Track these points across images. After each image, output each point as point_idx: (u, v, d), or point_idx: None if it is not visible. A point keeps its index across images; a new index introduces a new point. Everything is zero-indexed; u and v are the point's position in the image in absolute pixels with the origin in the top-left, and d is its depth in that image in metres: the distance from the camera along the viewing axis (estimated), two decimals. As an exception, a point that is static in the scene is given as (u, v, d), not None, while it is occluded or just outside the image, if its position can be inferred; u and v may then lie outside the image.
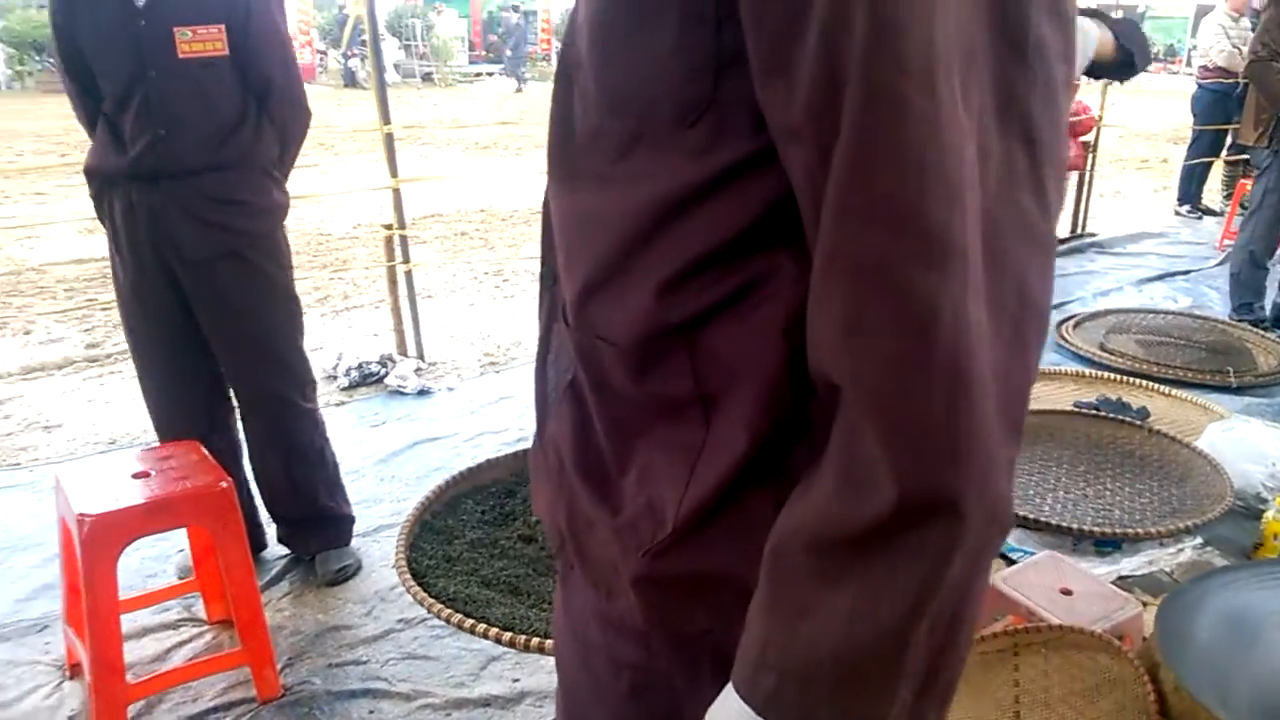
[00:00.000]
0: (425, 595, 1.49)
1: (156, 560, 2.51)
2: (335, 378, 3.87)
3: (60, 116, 14.10)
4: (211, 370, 2.40)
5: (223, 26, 2.12)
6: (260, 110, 2.25)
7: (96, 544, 1.84)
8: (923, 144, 0.49)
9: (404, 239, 4.03)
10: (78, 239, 6.42)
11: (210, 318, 2.30)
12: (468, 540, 1.73)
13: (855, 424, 0.52)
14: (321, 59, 22.52)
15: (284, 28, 2.30)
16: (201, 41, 2.09)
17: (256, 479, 2.52)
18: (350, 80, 19.78)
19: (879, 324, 0.51)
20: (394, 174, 3.97)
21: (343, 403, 3.71)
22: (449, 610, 1.46)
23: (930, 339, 0.50)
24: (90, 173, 2.21)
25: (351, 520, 2.59)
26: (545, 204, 0.74)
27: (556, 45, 25.57)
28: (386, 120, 3.93)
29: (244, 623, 2.03)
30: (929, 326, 0.50)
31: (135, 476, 1.97)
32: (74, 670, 2.15)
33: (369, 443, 3.33)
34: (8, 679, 2.14)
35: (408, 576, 1.52)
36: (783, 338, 0.59)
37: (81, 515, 1.82)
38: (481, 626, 1.42)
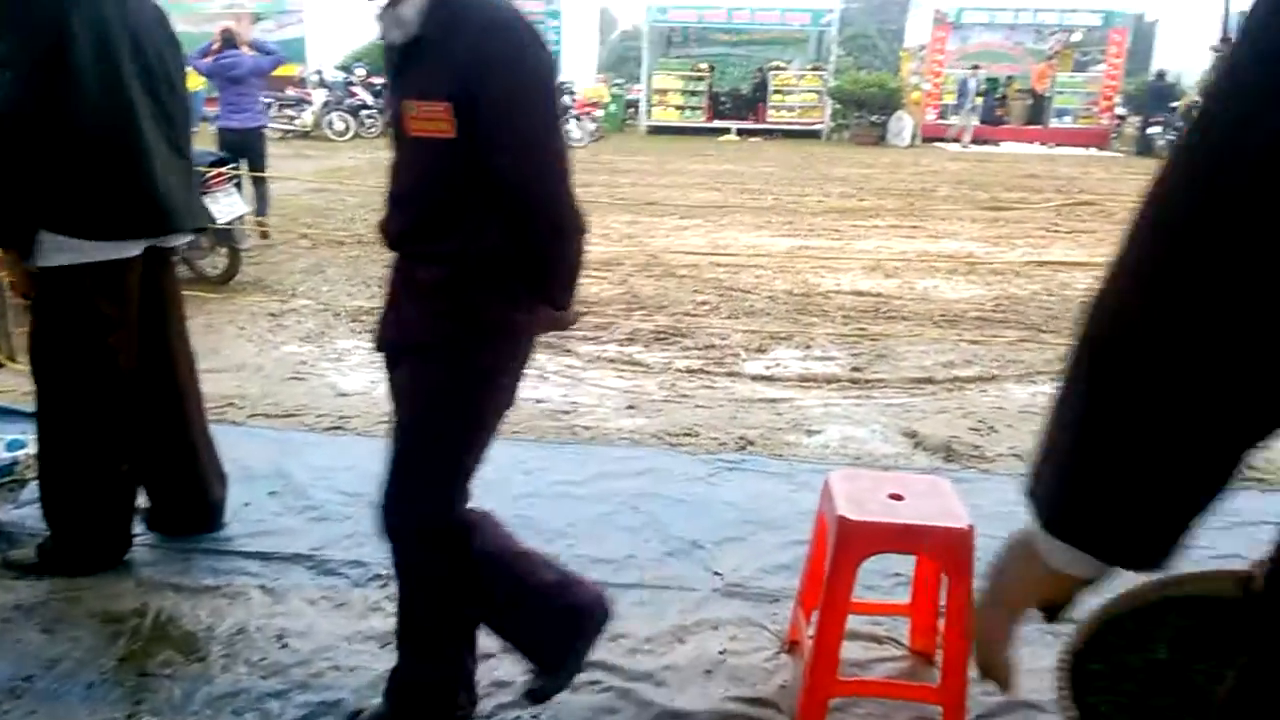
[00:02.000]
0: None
1: (876, 575, 2.69)
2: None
3: (863, 164, 16.08)
4: None
5: (449, 106, 1.70)
6: (494, 210, 1.79)
7: (848, 547, 2.04)
8: None
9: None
10: (861, 274, 7.22)
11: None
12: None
13: None
14: (1119, 125, 21.78)
15: (531, 117, 1.73)
16: (427, 119, 1.73)
17: None
18: (1145, 148, 18.78)
19: None
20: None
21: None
22: None
23: None
24: None
25: None
26: None
27: None
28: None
29: (950, 665, 2.07)
30: None
31: (891, 497, 2.13)
32: (792, 647, 2.43)
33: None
34: (740, 633, 2.51)
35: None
36: None
37: (843, 518, 2.04)
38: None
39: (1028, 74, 22.19)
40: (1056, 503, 0.82)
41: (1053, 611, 0.90)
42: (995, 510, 3.10)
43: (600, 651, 2.37)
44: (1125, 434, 0.76)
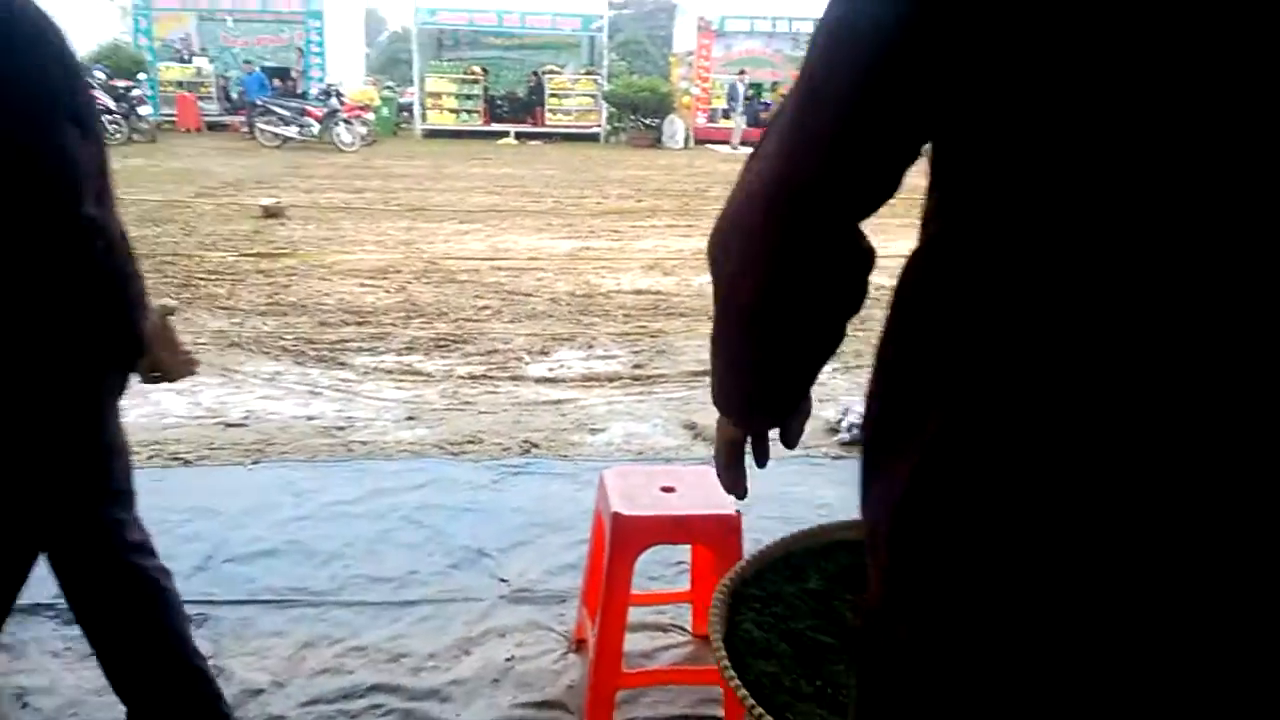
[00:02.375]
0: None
1: (660, 565, 2.75)
2: (838, 431, 3.96)
3: (640, 167, 16.45)
4: None
5: None
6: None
7: (623, 542, 2.06)
8: None
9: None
10: (640, 273, 7.38)
11: None
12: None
13: None
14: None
15: (31, 125, 1.43)
16: None
17: None
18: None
19: None
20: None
21: (840, 457, 3.78)
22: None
23: None
24: None
25: None
26: None
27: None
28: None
29: (727, 646, 2.14)
30: None
31: (663, 490, 2.18)
32: (579, 645, 2.44)
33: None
34: (528, 638, 2.49)
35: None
36: None
37: (616, 514, 2.06)
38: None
39: (788, 79, 23.48)
40: (711, 380, 1.04)
41: (760, 455, 1.12)
42: (769, 492, 3.26)
43: (381, 674, 2.29)
44: (720, 324, 0.96)
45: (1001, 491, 0.71)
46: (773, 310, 0.88)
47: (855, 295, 0.88)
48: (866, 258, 0.86)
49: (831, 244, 0.83)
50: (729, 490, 1.14)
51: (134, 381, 1.74)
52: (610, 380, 4.75)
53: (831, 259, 0.84)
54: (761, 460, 1.13)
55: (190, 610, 2.51)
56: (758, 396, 1.02)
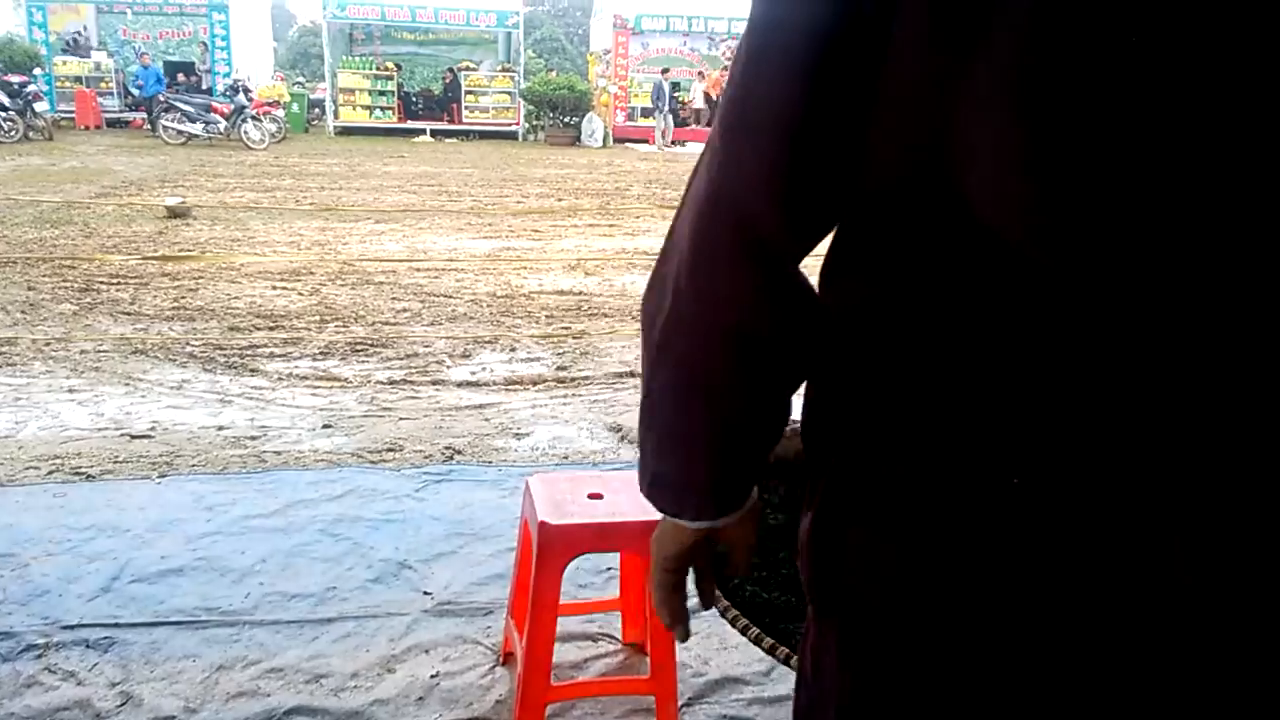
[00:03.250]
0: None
1: (589, 573, 2.72)
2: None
3: (559, 165, 16.36)
4: None
5: None
6: None
7: (550, 551, 2.02)
8: None
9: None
10: (562, 274, 7.32)
11: None
12: None
13: None
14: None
15: None
16: None
17: None
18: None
19: None
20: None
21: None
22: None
23: None
24: None
25: None
26: None
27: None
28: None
29: (657, 655, 2.11)
30: None
31: (591, 496, 2.15)
32: (507, 658, 2.39)
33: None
34: (453, 652, 2.43)
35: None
36: None
37: (543, 523, 2.02)
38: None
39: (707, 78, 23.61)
40: (640, 462, 0.86)
41: (705, 582, 0.93)
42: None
43: (301, 696, 2.21)
44: (651, 388, 0.81)
45: (903, 498, 0.70)
46: (761, 329, 0.75)
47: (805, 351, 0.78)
48: (811, 300, 0.76)
49: (784, 265, 0.75)
50: (670, 627, 0.91)
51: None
52: (534, 383, 4.70)
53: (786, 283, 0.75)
54: (708, 596, 0.92)
55: (95, 634, 2.41)
56: (726, 460, 0.82)
